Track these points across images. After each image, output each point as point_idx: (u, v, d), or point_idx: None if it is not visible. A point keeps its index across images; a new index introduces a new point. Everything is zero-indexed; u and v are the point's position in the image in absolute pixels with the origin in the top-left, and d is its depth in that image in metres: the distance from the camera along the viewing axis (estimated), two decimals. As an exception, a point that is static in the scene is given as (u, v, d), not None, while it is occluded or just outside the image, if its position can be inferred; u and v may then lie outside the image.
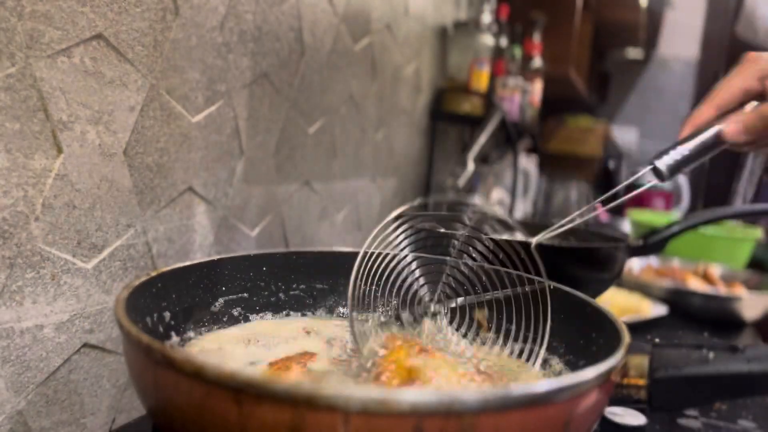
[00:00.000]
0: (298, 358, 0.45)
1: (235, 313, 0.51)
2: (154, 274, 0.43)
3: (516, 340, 0.49)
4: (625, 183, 0.55)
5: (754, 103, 0.52)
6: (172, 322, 0.45)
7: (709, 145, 0.52)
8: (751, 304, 1.04)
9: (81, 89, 0.48)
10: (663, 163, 0.51)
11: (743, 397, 0.63)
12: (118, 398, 0.56)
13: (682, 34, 2.92)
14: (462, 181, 1.29)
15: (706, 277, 1.17)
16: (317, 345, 0.48)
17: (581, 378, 0.31)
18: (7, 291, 0.45)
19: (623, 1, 2.11)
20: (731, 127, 0.51)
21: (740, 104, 0.52)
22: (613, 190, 0.52)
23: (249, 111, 0.71)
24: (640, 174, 0.52)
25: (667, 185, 2.63)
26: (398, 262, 0.48)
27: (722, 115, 0.53)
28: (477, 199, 1.42)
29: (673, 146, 0.52)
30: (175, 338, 0.45)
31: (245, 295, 0.53)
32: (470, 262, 0.49)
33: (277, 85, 0.76)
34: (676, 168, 0.51)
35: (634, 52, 2.89)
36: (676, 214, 2.10)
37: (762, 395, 0.61)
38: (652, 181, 0.51)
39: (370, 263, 0.46)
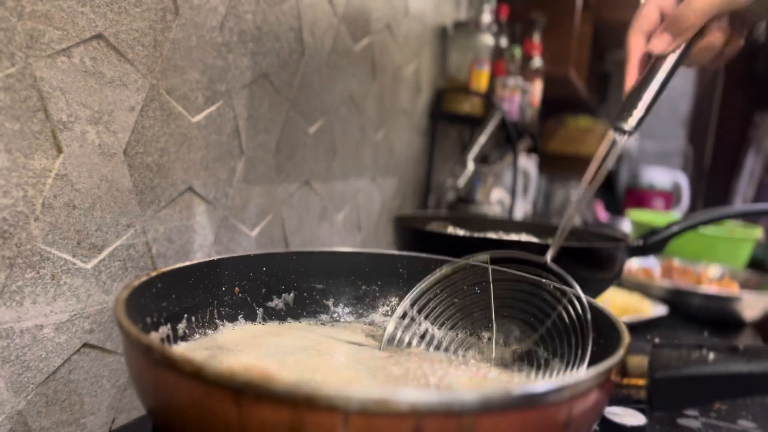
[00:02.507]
0: None
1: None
2: (154, 274, 0.43)
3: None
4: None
5: None
6: (172, 323, 0.45)
7: (662, 79, 0.53)
8: (750, 304, 1.04)
9: (81, 89, 0.48)
10: (630, 126, 0.53)
11: (743, 397, 0.63)
12: (118, 398, 0.56)
13: (682, 34, 2.91)
14: (462, 181, 1.29)
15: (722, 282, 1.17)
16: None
17: (581, 378, 0.31)
18: (7, 291, 0.45)
19: (623, 1, 2.11)
20: (656, 43, 0.53)
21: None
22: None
23: (249, 111, 0.71)
24: (611, 146, 0.53)
25: (667, 185, 2.63)
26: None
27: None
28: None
29: (632, 101, 0.53)
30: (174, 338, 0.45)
31: (245, 295, 0.53)
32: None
33: (277, 85, 0.76)
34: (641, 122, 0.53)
35: (634, 52, 2.89)
36: (675, 214, 2.10)
37: (762, 395, 0.61)
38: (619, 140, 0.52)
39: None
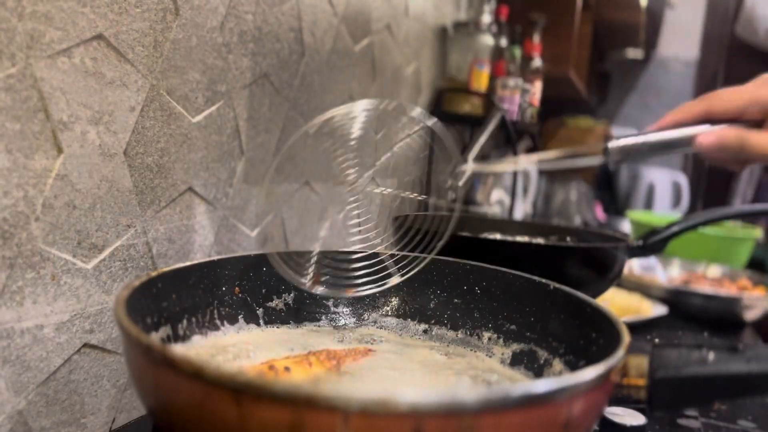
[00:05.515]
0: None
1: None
2: (154, 274, 0.43)
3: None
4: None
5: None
6: (172, 323, 0.45)
7: (676, 144, 0.52)
8: (750, 304, 1.04)
9: (81, 89, 0.48)
10: (614, 144, 0.54)
11: (743, 397, 0.63)
12: (119, 398, 0.56)
13: (682, 34, 2.92)
14: (462, 182, 1.29)
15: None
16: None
17: (581, 378, 0.31)
18: (8, 291, 0.45)
19: (623, 2, 2.11)
20: (708, 139, 0.50)
21: (734, 117, 0.51)
22: None
23: (249, 111, 0.71)
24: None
25: (667, 186, 2.63)
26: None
27: (712, 119, 0.51)
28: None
29: (640, 133, 0.54)
30: (174, 338, 0.45)
31: (245, 295, 0.53)
32: None
33: (277, 86, 0.76)
34: (625, 152, 0.53)
35: (633, 53, 2.89)
36: (675, 214, 2.10)
37: (762, 395, 0.61)
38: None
39: None
